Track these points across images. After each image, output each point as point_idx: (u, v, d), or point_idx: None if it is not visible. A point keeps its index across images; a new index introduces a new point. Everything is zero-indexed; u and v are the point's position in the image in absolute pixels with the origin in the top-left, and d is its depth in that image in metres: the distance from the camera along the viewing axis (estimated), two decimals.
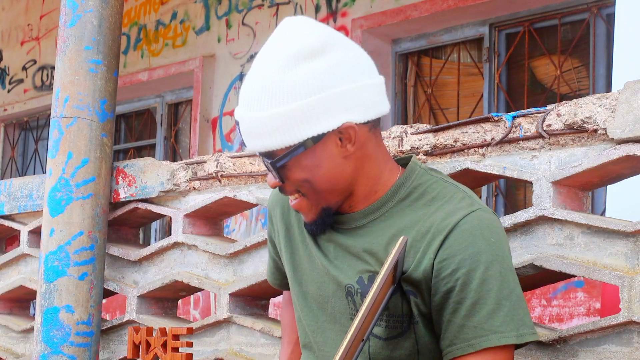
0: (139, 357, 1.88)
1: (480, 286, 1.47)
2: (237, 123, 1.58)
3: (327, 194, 1.58)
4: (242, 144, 6.07)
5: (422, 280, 1.53)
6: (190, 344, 1.90)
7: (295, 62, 1.51)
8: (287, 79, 1.51)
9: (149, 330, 1.85)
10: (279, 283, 1.93)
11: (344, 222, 1.63)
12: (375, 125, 1.60)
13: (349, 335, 1.39)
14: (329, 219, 1.62)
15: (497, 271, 1.48)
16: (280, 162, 1.54)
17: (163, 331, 1.88)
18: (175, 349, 1.85)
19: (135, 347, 1.85)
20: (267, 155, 1.56)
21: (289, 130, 1.51)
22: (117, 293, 2.94)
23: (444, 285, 1.50)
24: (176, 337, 1.87)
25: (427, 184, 1.61)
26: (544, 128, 1.94)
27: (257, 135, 1.53)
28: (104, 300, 2.85)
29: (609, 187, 2.43)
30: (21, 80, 7.72)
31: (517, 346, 1.52)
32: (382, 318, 1.57)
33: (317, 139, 1.53)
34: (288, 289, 1.89)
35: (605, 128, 1.85)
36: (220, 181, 2.57)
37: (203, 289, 2.63)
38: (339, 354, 1.38)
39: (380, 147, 1.62)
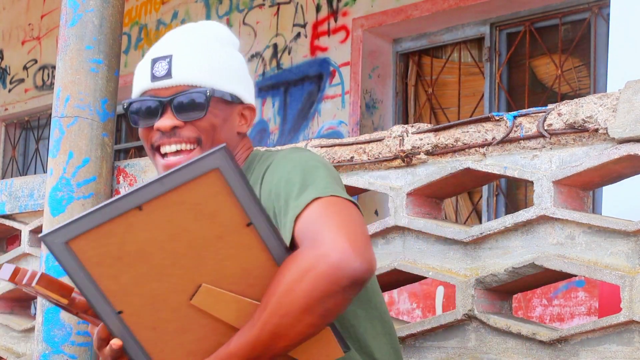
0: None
1: (287, 184, 1.59)
2: (154, 61, 1.68)
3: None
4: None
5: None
6: None
7: (220, 43, 1.74)
8: (220, 52, 1.73)
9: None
10: None
11: None
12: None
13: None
14: None
15: (300, 170, 1.60)
16: (219, 94, 1.69)
17: None
18: None
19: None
20: (194, 88, 1.67)
21: (229, 78, 1.72)
22: None
23: (275, 202, 1.60)
24: None
25: (267, 154, 1.77)
26: (545, 127, 1.94)
27: (200, 68, 1.68)
28: None
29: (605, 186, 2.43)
30: (22, 80, 7.73)
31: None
32: None
33: (238, 100, 1.73)
34: None
35: (606, 127, 1.85)
36: None
37: None
38: None
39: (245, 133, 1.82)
